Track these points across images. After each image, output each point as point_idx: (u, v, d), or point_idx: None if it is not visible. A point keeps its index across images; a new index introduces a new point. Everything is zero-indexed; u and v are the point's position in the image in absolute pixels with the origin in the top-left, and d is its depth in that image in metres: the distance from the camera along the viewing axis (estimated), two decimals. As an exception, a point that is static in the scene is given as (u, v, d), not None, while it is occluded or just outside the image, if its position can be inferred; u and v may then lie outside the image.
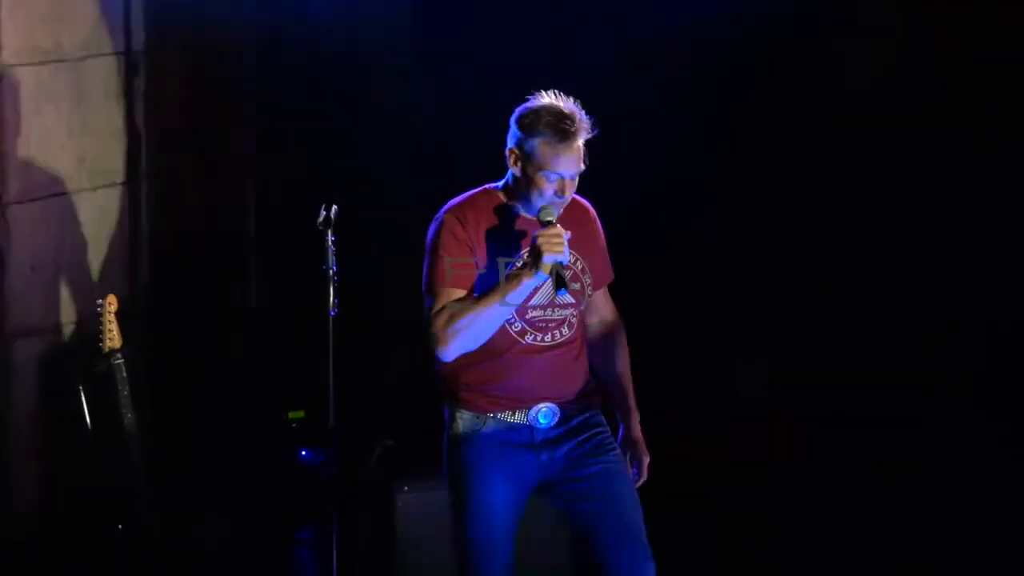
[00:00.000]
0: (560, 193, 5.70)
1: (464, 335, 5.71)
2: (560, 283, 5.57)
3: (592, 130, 5.77)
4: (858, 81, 8.37)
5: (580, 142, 5.73)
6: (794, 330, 8.14)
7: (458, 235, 5.74)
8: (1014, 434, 7.68)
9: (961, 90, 8.04)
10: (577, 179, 5.78)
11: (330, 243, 6.40)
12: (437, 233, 5.74)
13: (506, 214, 5.82)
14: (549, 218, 5.60)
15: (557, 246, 5.57)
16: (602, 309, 6.06)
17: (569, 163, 5.68)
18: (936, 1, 8.12)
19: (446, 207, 5.79)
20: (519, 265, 5.74)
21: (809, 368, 8.12)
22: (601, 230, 5.98)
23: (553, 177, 5.71)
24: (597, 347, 6.07)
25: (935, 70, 8.13)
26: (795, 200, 8.13)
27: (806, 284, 8.04)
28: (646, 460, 6.01)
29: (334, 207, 6.44)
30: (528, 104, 5.72)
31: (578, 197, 5.92)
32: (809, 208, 8.15)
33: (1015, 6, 7.80)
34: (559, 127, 5.69)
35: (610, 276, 6.01)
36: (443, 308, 5.66)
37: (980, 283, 7.91)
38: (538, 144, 5.70)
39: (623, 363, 6.13)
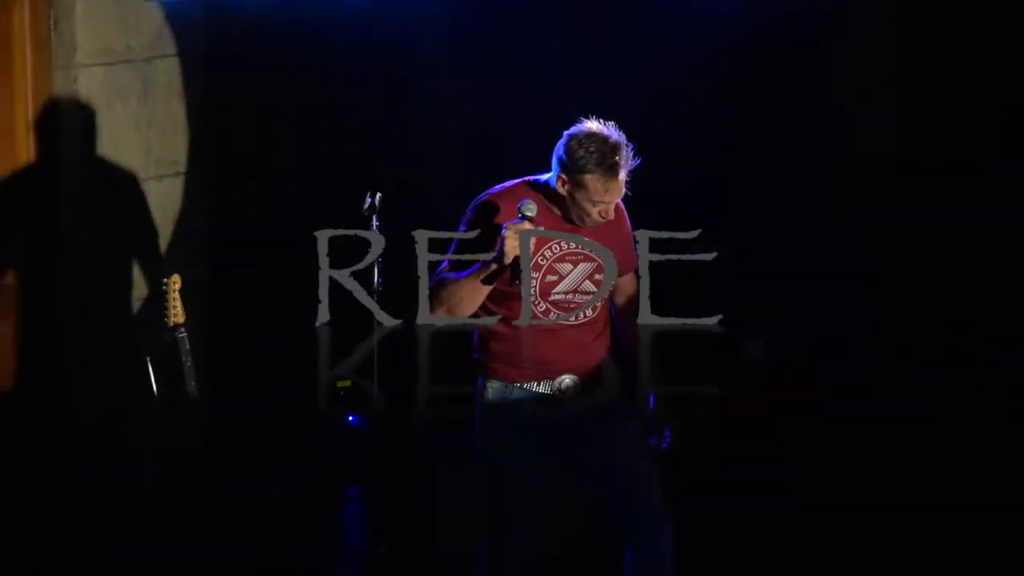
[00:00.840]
0: (603, 215, 5.82)
1: (448, 304, 5.95)
2: (515, 276, 5.74)
3: (634, 159, 5.86)
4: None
5: (620, 174, 5.85)
6: (788, 309, 8.19)
7: (479, 219, 5.92)
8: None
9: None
10: (611, 211, 5.99)
11: (375, 229, 6.64)
12: (471, 216, 5.94)
13: (543, 204, 5.95)
14: (528, 213, 5.76)
15: (513, 245, 5.79)
16: (628, 289, 6.15)
17: (615, 194, 5.81)
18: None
19: (485, 194, 5.93)
20: (493, 254, 5.84)
21: (799, 341, 8.21)
22: (628, 222, 6.07)
23: (600, 205, 5.83)
24: (626, 323, 6.17)
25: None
26: (793, 201, 8.19)
27: (799, 273, 8.09)
28: (668, 423, 6.13)
29: (378, 195, 6.72)
30: (577, 133, 5.81)
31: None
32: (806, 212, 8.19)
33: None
34: (608, 163, 5.79)
35: (635, 263, 6.09)
36: (439, 281, 5.92)
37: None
38: (588, 180, 5.79)
39: (631, 318, 6.23)
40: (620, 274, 6.08)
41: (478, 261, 5.88)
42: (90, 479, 7.67)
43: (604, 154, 5.76)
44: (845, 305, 8.29)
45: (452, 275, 5.90)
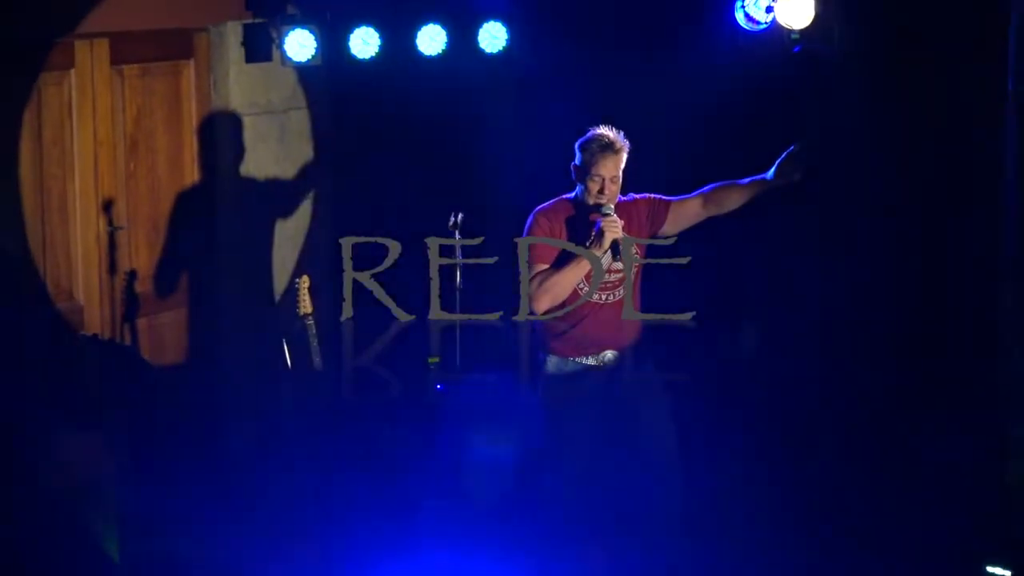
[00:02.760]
0: (601, 191, 6.29)
1: (552, 291, 6.30)
2: (615, 252, 6.24)
3: (627, 147, 6.34)
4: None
5: (617, 154, 6.32)
6: (777, 303, 8.18)
7: (542, 226, 6.38)
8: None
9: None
10: (618, 183, 6.37)
11: (458, 239, 7.05)
12: (529, 227, 6.40)
13: (574, 212, 6.41)
14: (608, 211, 6.23)
15: (614, 229, 6.20)
16: (690, 207, 6.50)
17: (605, 167, 6.28)
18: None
19: (536, 210, 6.47)
20: (588, 243, 6.26)
21: (787, 332, 8.14)
22: (642, 202, 6.48)
23: (597, 179, 6.29)
24: (727, 196, 6.52)
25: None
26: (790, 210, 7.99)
27: (792, 269, 8.03)
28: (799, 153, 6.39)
29: (460, 214, 7.06)
30: (583, 136, 6.39)
31: (625, 199, 6.50)
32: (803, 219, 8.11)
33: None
34: (600, 143, 6.30)
35: (667, 203, 6.47)
36: (535, 276, 6.31)
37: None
38: (587, 157, 6.33)
39: (737, 185, 6.52)
40: (656, 229, 6.43)
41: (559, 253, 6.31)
42: (240, 429, 8.09)
43: (598, 139, 6.32)
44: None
45: (549, 270, 6.31)
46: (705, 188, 6.56)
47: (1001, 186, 7.34)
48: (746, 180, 6.56)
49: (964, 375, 7.64)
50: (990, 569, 6.37)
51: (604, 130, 6.40)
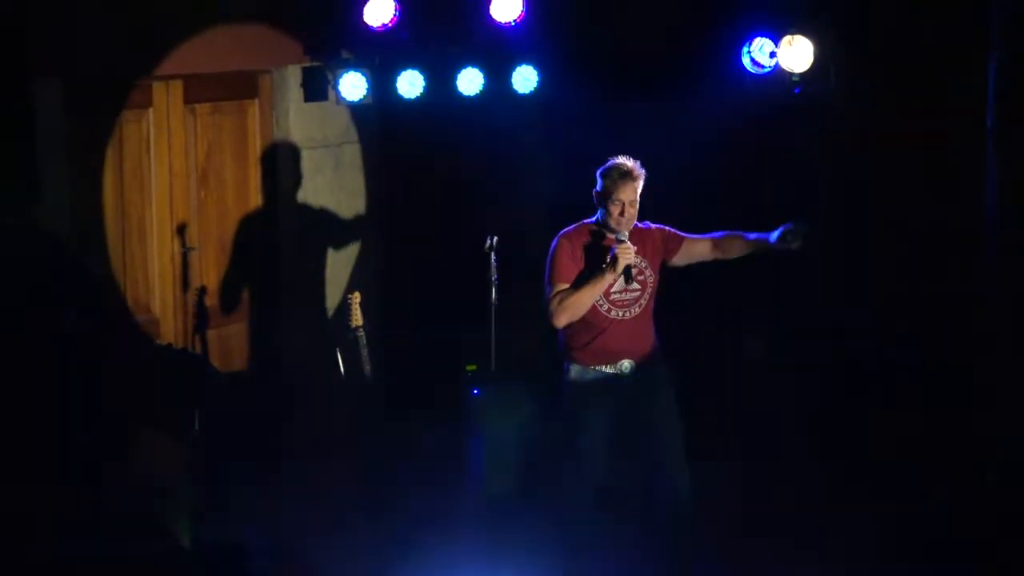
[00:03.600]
0: (621, 214, 6.33)
1: (571, 310, 6.33)
2: (628, 277, 6.30)
3: (643, 175, 6.34)
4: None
5: (634, 181, 6.35)
6: (780, 313, 8.31)
7: (565, 249, 6.41)
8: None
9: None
10: (635, 207, 6.36)
11: (493, 260, 7.22)
12: (554, 249, 6.44)
13: (595, 236, 6.45)
14: (623, 237, 6.29)
15: (628, 255, 6.27)
16: (700, 246, 6.55)
17: (624, 192, 6.34)
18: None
19: (560, 233, 6.50)
20: (604, 267, 6.28)
21: (788, 339, 8.29)
22: (656, 234, 6.50)
23: (617, 203, 6.33)
24: (733, 245, 6.54)
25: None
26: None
27: (791, 282, 8.05)
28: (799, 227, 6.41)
29: (495, 237, 7.17)
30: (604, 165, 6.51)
31: (642, 226, 6.48)
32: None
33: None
34: (620, 171, 6.35)
35: (681, 238, 6.51)
36: (556, 294, 6.35)
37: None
38: (607, 184, 6.38)
39: (742, 237, 6.54)
40: (669, 258, 6.48)
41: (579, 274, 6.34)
42: (298, 428, 8.09)
43: (617, 167, 6.38)
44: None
45: (569, 290, 6.31)
46: (717, 233, 6.60)
47: (983, 225, 7.41)
48: (752, 236, 6.58)
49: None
50: None
51: (622, 159, 6.44)
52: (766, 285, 8.20)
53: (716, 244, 6.62)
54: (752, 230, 6.74)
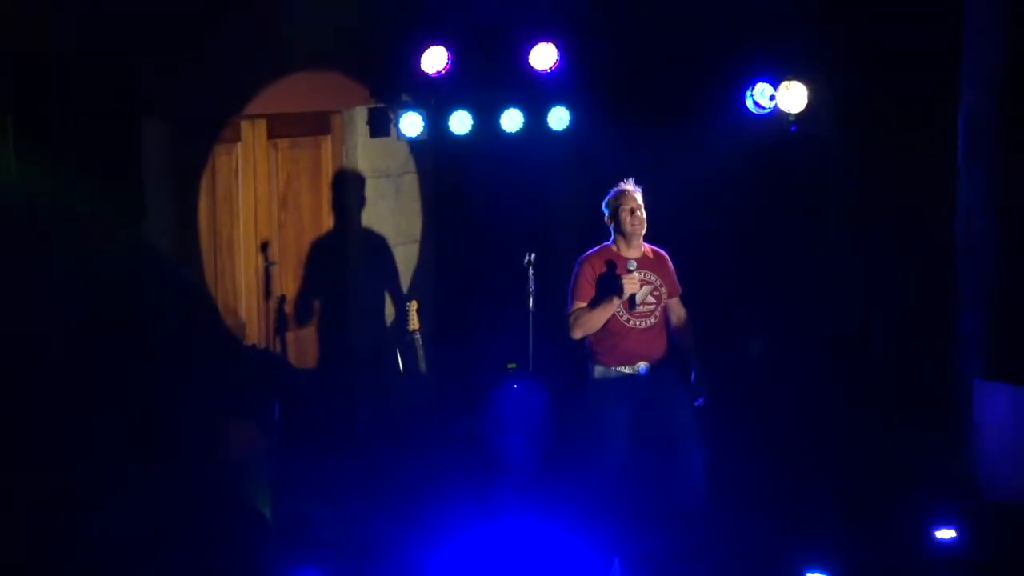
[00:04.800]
0: (632, 215, 6.57)
1: (584, 326, 6.60)
2: (632, 304, 6.57)
3: (639, 189, 6.58)
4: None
5: (633, 192, 6.60)
6: (777, 321, 8.37)
7: (586, 273, 6.67)
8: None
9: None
10: (643, 211, 6.57)
11: (530, 275, 7.58)
12: (576, 272, 6.71)
13: (611, 256, 6.68)
14: (631, 268, 6.57)
15: (632, 285, 6.55)
16: (678, 310, 6.87)
17: (630, 201, 6.62)
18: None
19: (582, 257, 6.76)
20: (613, 295, 6.51)
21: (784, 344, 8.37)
22: (671, 266, 6.82)
23: (626, 210, 6.58)
24: (678, 331, 6.81)
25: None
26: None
27: (783, 294, 8.28)
28: (706, 390, 6.71)
29: (532, 254, 7.54)
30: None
31: (658, 249, 6.75)
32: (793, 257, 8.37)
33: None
34: (619, 190, 6.63)
35: (679, 291, 6.82)
36: (574, 311, 6.63)
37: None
38: (613, 202, 6.66)
39: (691, 339, 6.84)
40: (669, 296, 6.72)
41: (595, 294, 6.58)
42: (364, 416, 8.26)
43: (616, 189, 6.62)
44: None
45: (584, 308, 6.56)
46: (684, 319, 6.74)
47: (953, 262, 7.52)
48: (688, 349, 6.71)
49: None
50: None
51: (619, 184, 6.66)
52: (767, 293, 8.27)
53: (679, 320, 6.75)
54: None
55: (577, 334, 6.59)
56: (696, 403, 6.70)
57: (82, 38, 5.86)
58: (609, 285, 6.63)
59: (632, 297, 6.53)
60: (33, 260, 5.67)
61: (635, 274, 6.55)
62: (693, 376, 6.74)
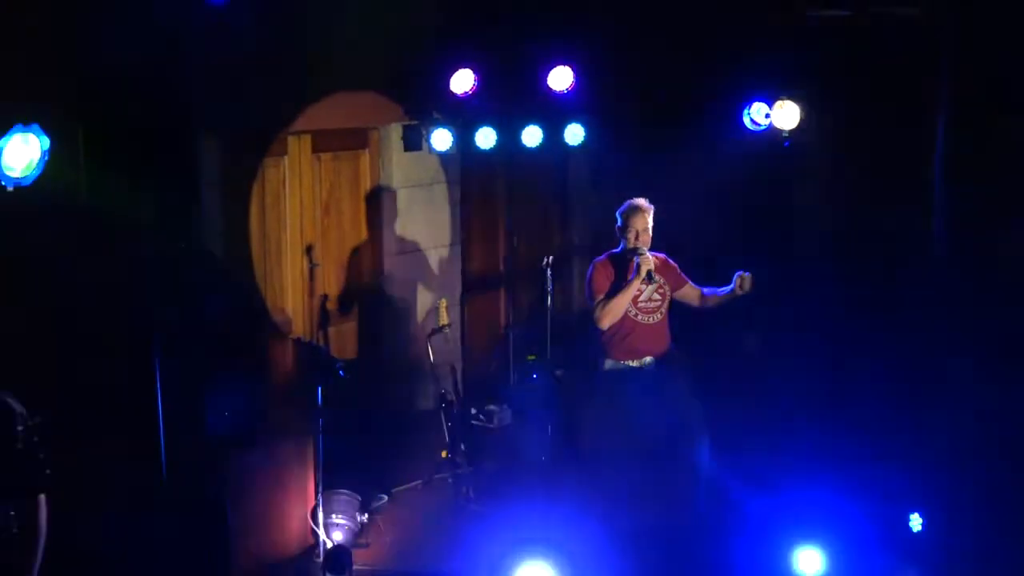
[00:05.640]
0: (636, 239, 6.63)
1: (611, 313, 6.62)
2: (651, 279, 6.59)
3: (651, 209, 6.60)
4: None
5: (644, 213, 6.65)
6: (772, 315, 8.36)
7: (599, 271, 6.78)
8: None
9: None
10: (648, 233, 6.63)
11: (548, 276, 7.61)
12: (590, 273, 6.82)
13: (619, 260, 6.76)
14: (642, 251, 6.63)
15: (648, 262, 6.60)
16: (692, 292, 6.87)
17: (638, 222, 6.68)
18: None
19: (593, 261, 6.85)
20: (631, 276, 6.57)
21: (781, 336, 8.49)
22: (673, 263, 6.86)
23: (632, 231, 6.65)
24: (705, 300, 6.79)
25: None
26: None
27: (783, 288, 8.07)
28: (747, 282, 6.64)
29: (551, 256, 7.57)
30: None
31: (659, 254, 6.74)
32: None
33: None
34: (632, 207, 6.68)
35: (686, 280, 6.83)
36: (599, 302, 6.68)
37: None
38: (623, 217, 6.72)
39: (712, 291, 6.79)
40: (674, 289, 6.78)
41: (611, 286, 6.62)
42: (402, 401, 8.42)
43: (630, 204, 6.67)
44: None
45: (606, 299, 6.58)
46: (703, 288, 6.77)
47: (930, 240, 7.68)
48: (718, 291, 6.66)
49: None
50: None
51: (635, 199, 6.73)
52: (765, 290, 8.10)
53: (702, 296, 6.85)
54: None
55: (605, 322, 6.60)
56: (744, 273, 6.60)
57: (145, 58, 5.70)
58: (621, 276, 6.69)
59: (649, 273, 6.57)
60: (100, 264, 5.63)
61: (648, 255, 6.64)
62: (730, 287, 6.66)
